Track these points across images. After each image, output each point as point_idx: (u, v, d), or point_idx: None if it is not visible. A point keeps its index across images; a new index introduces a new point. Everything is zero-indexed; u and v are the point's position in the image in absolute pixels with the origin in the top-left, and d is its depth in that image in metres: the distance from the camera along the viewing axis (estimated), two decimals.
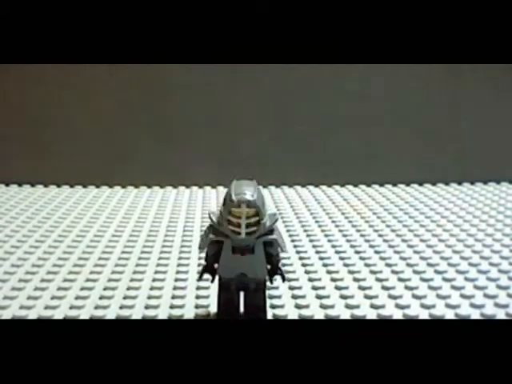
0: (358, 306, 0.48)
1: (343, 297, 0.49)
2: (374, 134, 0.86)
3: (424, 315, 0.46)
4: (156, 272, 0.54)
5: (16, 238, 0.63)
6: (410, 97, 0.86)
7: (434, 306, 0.48)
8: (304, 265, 0.56)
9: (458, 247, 0.61)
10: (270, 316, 0.45)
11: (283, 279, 0.43)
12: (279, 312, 0.46)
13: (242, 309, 0.44)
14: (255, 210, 0.40)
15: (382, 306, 0.48)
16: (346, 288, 0.51)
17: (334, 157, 0.85)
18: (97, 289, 0.50)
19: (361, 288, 0.51)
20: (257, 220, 0.40)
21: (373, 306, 0.48)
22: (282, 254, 0.43)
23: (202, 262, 0.44)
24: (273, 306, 0.47)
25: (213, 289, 0.48)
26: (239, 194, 0.40)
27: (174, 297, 0.49)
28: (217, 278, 0.43)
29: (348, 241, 0.63)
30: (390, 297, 0.49)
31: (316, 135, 0.86)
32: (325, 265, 0.56)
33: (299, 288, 0.51)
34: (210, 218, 0.42)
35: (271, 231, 0.42)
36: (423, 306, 0.48)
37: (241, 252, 0.41)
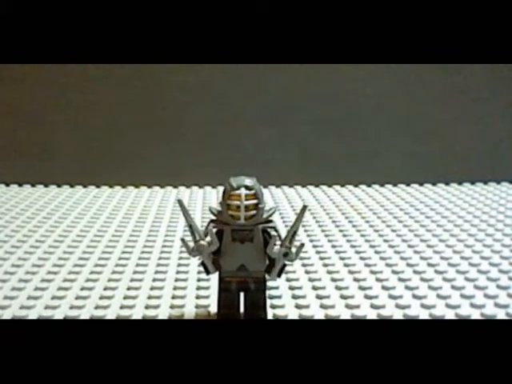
0: (358, 306, 0.48)
1: (343, 297, 0.49)
2: (374, 134, 0.86)
3: (424, 315, 0.46)
4: (156, 272, 0.54)
5: (16, 237, 0.63)
6: (410, 97, 0.86)
7: (434, 306, 0.48)
8: (304, 265, 0.56)
9: (459, 247, 0.61)
10: (270, 316, 0.45)
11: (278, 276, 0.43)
12: (279, 312, 0.46)
13: (242, 309, 0.44)
14: (254, 192, 0.41)
15: (383, 306, 0.47)
16: (347, 288, 0.51)
17: (334, 157, 0.85)
18: (97, 289, 0.50)
19: (361, 288, 0.51)
20: (255, 203, 0.41)
21: (373, 306, 0.48)
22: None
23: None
24: (273, 306, 0.47)
25: (213, 289, 0.48)
26: (238, 180, 0.41)
27: (173, 297, 0.49)
28: (217, 274, 0.43)
29: (348, 241, 0.63)
30: (391, 297, 0.49)
31: (316, 135, 0.86)
32: (325, 265, 0.56)
33: (299, 288, 0.51)
34: (211, 210, 0.43)
35: (270, 222, 0.42)
36: (423, 306, 0.48)
37: (240, 240, 0.42)
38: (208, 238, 0.42)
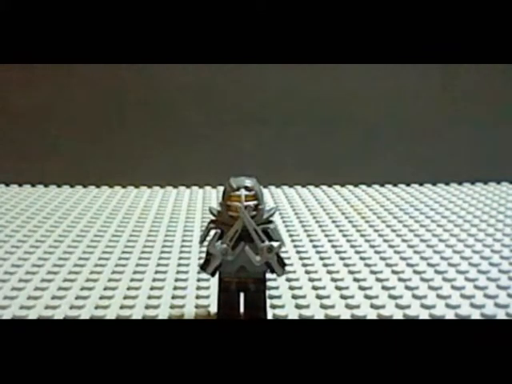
0: (358, 306, 0.48)
1: (343, 297, 0.49)
2: (374, 134, 0.86)
3: (424, 315, 0.46)
4: (156, 272, 0.54)
5: (16, 237, 0.63)
6: (410, 97, 0.86)
7: (434, 306, 0.48)
8: (304, 265, 0.56)
9: (459, 247, 0.61)
10: (270, 316, 0.45)
11: (283, 269, 0.43)
12: (279, 312, 0.46)
13: (242, 309, 0.44)
14: (254, 193, 0.41)
15: (382, 306, 0.47)
16: (347, 288, 0.51)
17: (334, 157, 0.85)
18: (97, 289, 0.50)
19: (361, 288, 0.51)
20: (255, 204, 0.41)
21: (373, 306, 0.48)
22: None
23: (202, 262, 0.44)
24: (273, 306, 0.47)
25: (213, 289, 0.48)
26: (238, 181, 0.41)
27: (173, 297, 0.49)
28: (217, 275, 0.43)
29: (348, 241, 0.63)
30: (390, 297, 0.49)
31: (316, 135, 0.86)
32: (325, 265, 0.56)
33: (299, 288, 0.51)
34: (211, 211, 0.43)
35: (270, 222, 0.42)
36: (423, 306, 0.48)
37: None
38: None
